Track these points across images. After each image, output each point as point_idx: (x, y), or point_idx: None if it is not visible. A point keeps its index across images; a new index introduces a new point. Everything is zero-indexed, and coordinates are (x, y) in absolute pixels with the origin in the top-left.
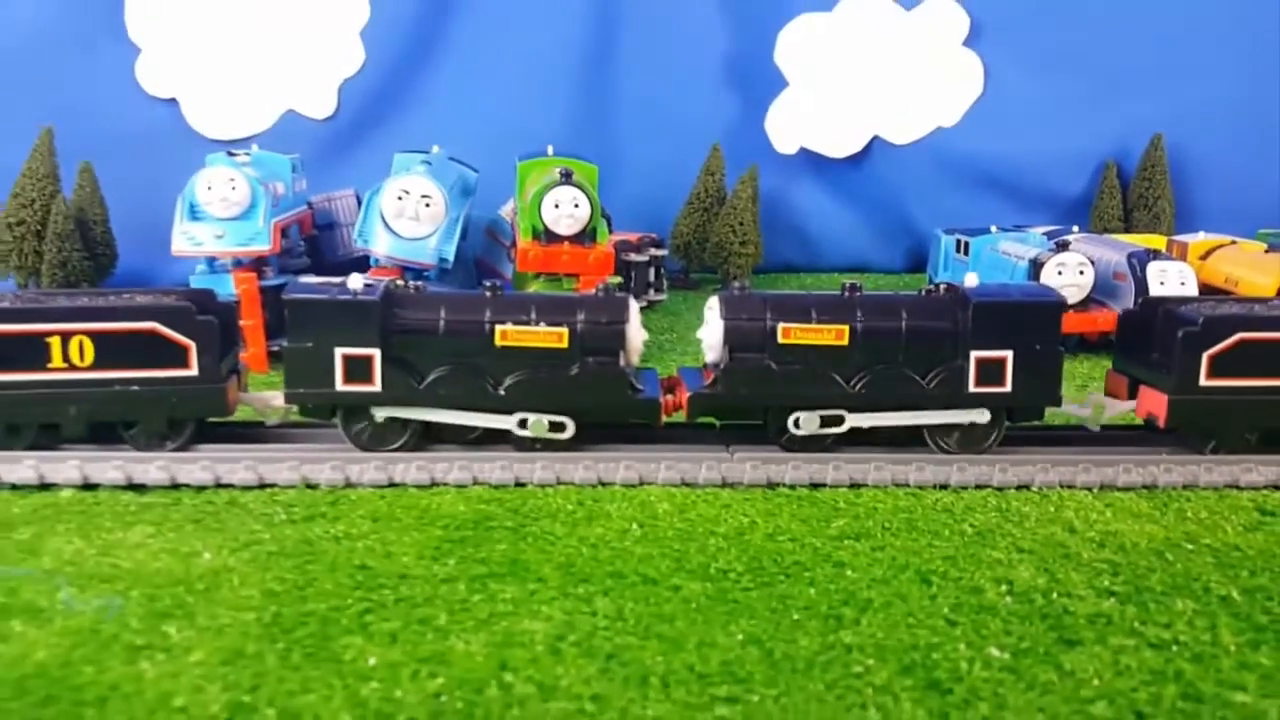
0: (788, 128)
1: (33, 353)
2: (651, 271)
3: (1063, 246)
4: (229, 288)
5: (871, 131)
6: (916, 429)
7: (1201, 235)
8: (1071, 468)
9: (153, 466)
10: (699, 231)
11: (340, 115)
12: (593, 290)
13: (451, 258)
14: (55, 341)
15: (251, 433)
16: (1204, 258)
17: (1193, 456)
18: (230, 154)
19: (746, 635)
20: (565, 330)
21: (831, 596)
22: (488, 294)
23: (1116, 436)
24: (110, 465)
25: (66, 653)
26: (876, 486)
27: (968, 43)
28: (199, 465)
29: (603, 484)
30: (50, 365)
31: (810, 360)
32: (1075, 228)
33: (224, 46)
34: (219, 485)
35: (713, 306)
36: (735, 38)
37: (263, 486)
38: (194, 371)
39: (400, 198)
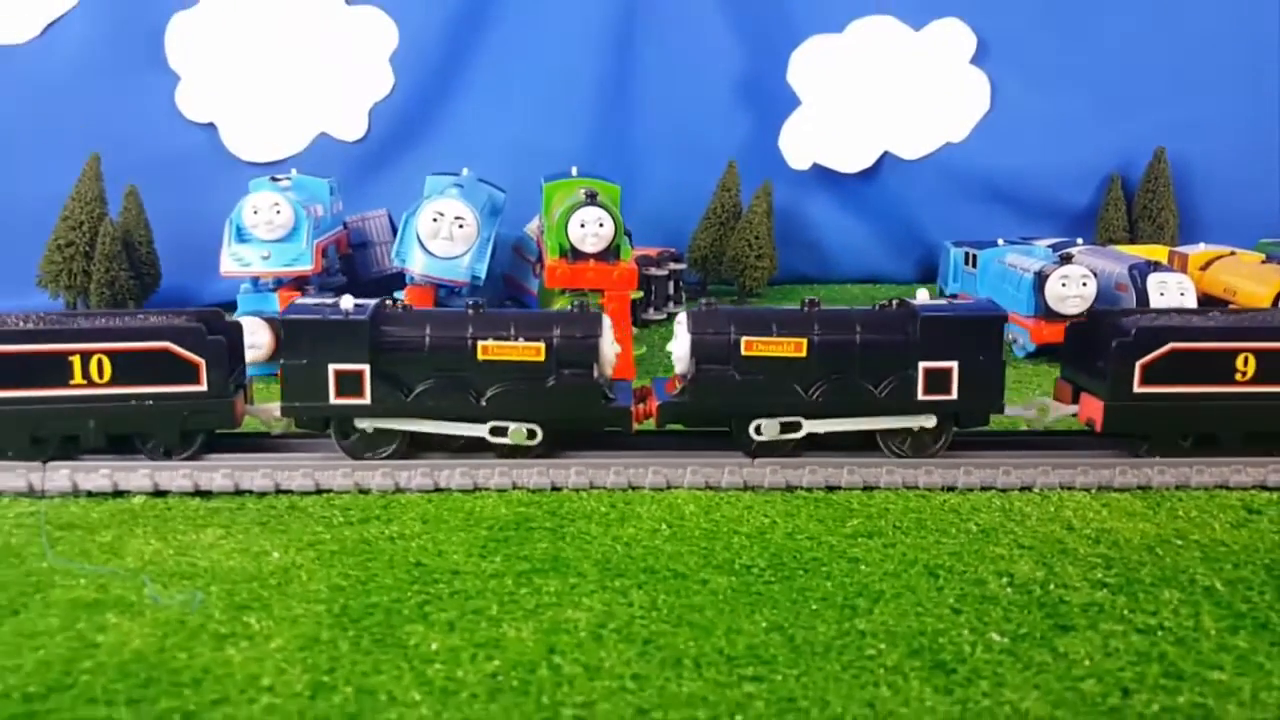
0: (800, 144)
1: (55, 370)
2: (670, 285)
3: (1066, 259)
4: (274, 305)
5: (882, 147)
6: (871, 434)
7: (1202, 246)
8: (1071, 470)
9: (218, 474)
10: (716, 245)
11: (370, 137)
12: (568, 307)
13: (484, 275)
14: (76, 360)
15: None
16: (1204, 268)
17: (1184, 459)
18: (274, 179)
19: (769, 623)
20: (542, 344)
21: (847, 589)
22: (470, 312)
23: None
24: (179, 474)
25: (160, 641)
26: (888, 489)
27: (975, 61)
28: (260, 473)
29: (633, 488)
30: (71, 382)
31: (771, 371)
32: (1079, 240)
33: (259, 73)
34: (279, 491)
35: (681, 322)
36: (749, 59)
37: (319, 492)
38: (204, 387)
39: (435, 219)
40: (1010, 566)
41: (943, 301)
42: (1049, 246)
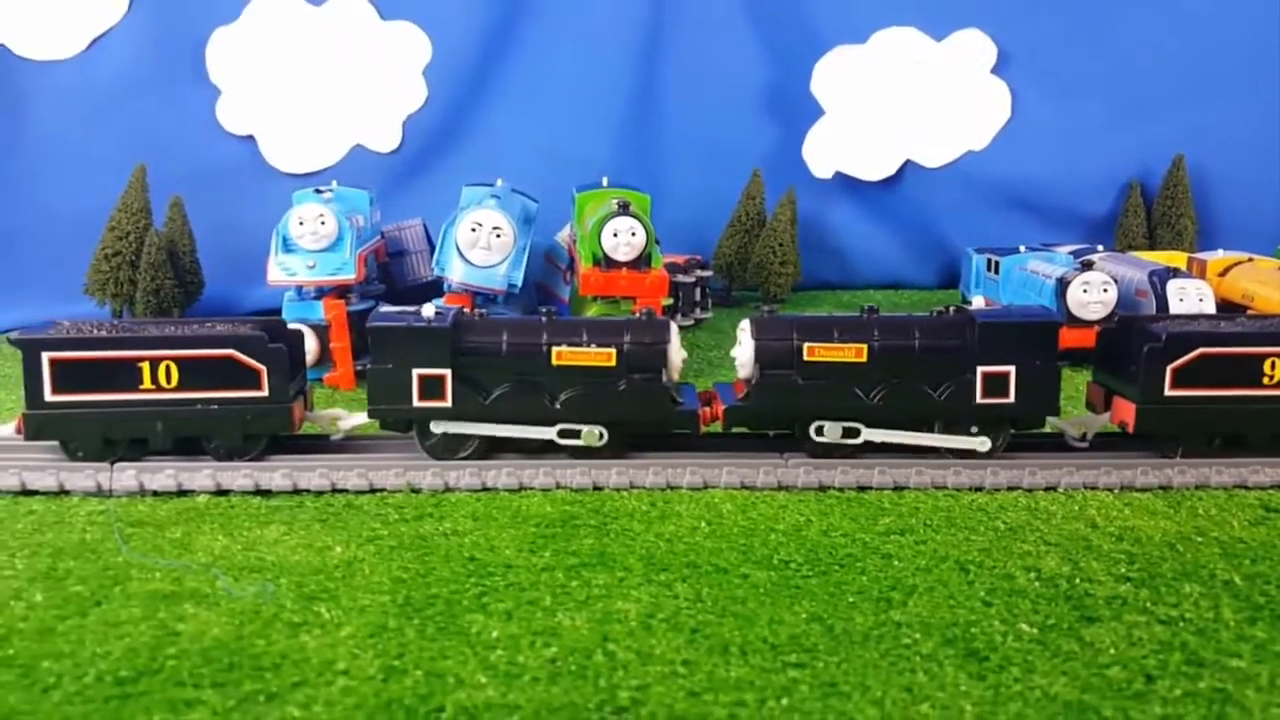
0: (824, 153)
1: (126, 375)
2: (697, 291)
3: (1087, 266)
4: (318, 313)
5: (904, 156)
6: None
7: (1220, 253)
8: (1094, 470)
9: (277, 474)
10: (740, 252)
11: (404, 148)
12: (637, 314)
13: (520, 284)
14: (145, 366)
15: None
16: (1222, 274)
17: (1204, 460)
18: (317, 190)
19: (809, 614)
20: (614, 350)
21: (881, 583)
22: (544, 319)
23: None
24: (240, 474)
25: (238, 629)
26: (918, 489)
27: (995, 70)
28: (317, 473)
29: (671, 487)
30: (141, 387)
31: (833, 376)
32: (1100, 247)
33: (297, 87)
34: (335, 490)
35: (744, 328)
36: (773, 70)
37: (373, 491)
38: (265, 393)
39: (474, 229)
40: (1037, 562)
41: (999, 307)
42: (1070, 253)
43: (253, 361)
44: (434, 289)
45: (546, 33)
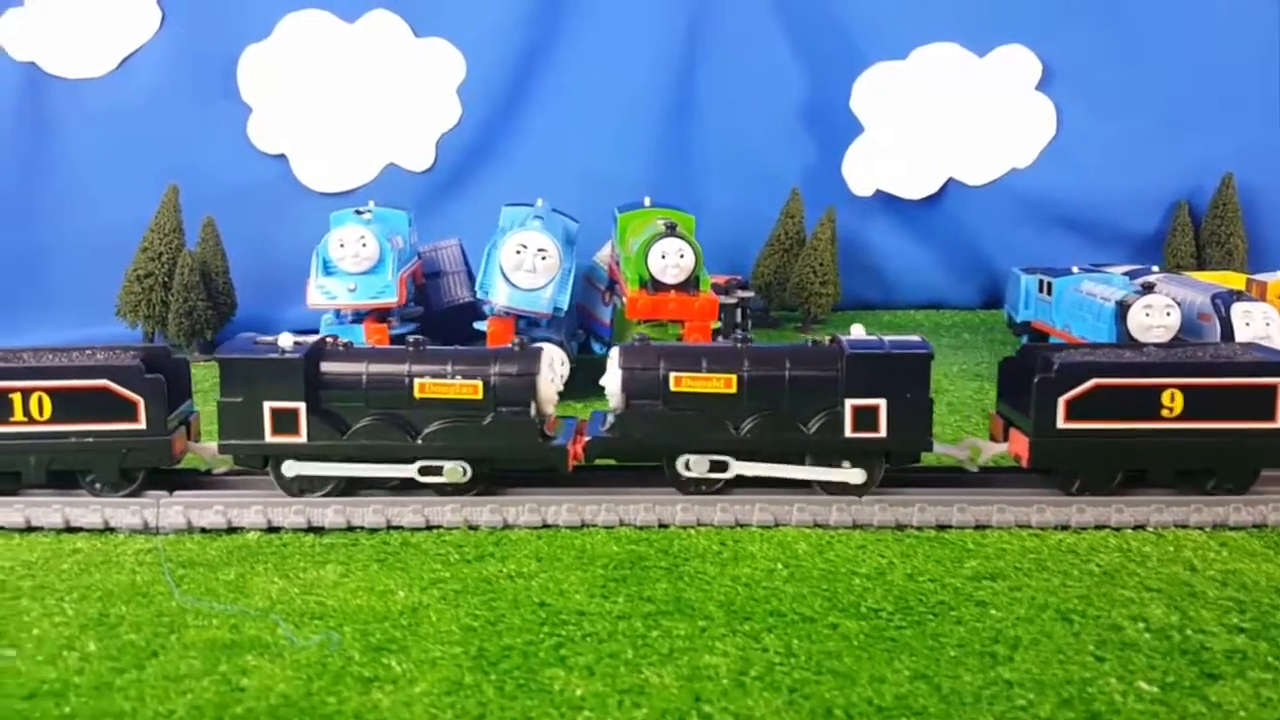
0: (864, 171)
1: None
2: (739, 312)
3: (1149, 288)
4: (359, 336)
5: (946, 174)
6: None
7: (1279, 274)
8: (1185, 508)
9: (330, 511)
10: (779, 272)
11: (438, 167)
12: (508, 344)
13: (565, 307)
14: (17, 397)
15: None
16: None
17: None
18: (357, 211)
19: (912, 671)
20: (480, 382)
21: (981, 635)
22: (409, 348)
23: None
24: (292, 510)
25: (305, 684)
26: (1000, 528)
27: (1040, 87)
28: (371, 509)
29: (740, 525)
30: (12, 418)
31: (701, 407)
32: (1155, 268)
33: (329, 105)
34: (390, 527)
35: (613, 357)
36: (812, 86)
37: (430, 528)
38: (143, 425)
39: (518, 251)
40: (1142, 610)
41: (873, 338)
42: (1124, 274)
43: (128, 392)
44: (471, 311)
45: (582, 50)
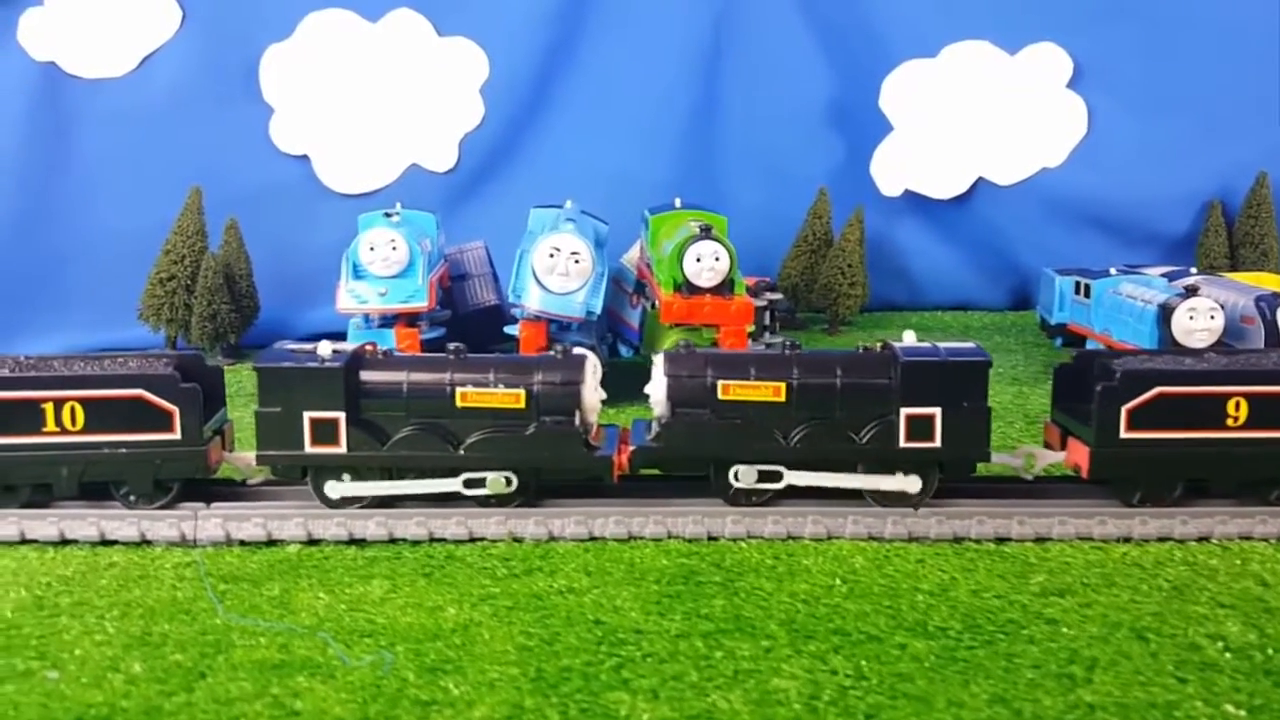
0: (892, 171)
1: (28, 417)
2: (767, 315)
3: (1192, 291)
4: (388, 341)
5: (976, 173)
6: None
7: None
8: (1250, 520)
9: (371, 523)
10: (807, 273)
11: (461, 168)
12: (550, 352)
13: (599, 310)
14: (49, 407)
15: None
16: None
17: None
18: (386, 214)
19: (990, 695)
20: (523, 391)
21: (1056, 655)
22: (450, 356)
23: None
24: (333, 522)
25: (362, 708)
26: (1062, 540)
27: (1071, 85)
28: (414, 521)
29: (792, 538)
30: (44, 429)
31: (749, 415)
32: (1193, 269)
33: (351, 105)
34: (433, 540)
35: (658, 364)
36: (840, 85)
37: (473, 540)
38: (177, 435)
39: (552, 255)
40: (1219, 628)
41: (927, 345)
42: (1162, 275)
43: (163, 402)
44: (497, 314)
45: (606, 49)
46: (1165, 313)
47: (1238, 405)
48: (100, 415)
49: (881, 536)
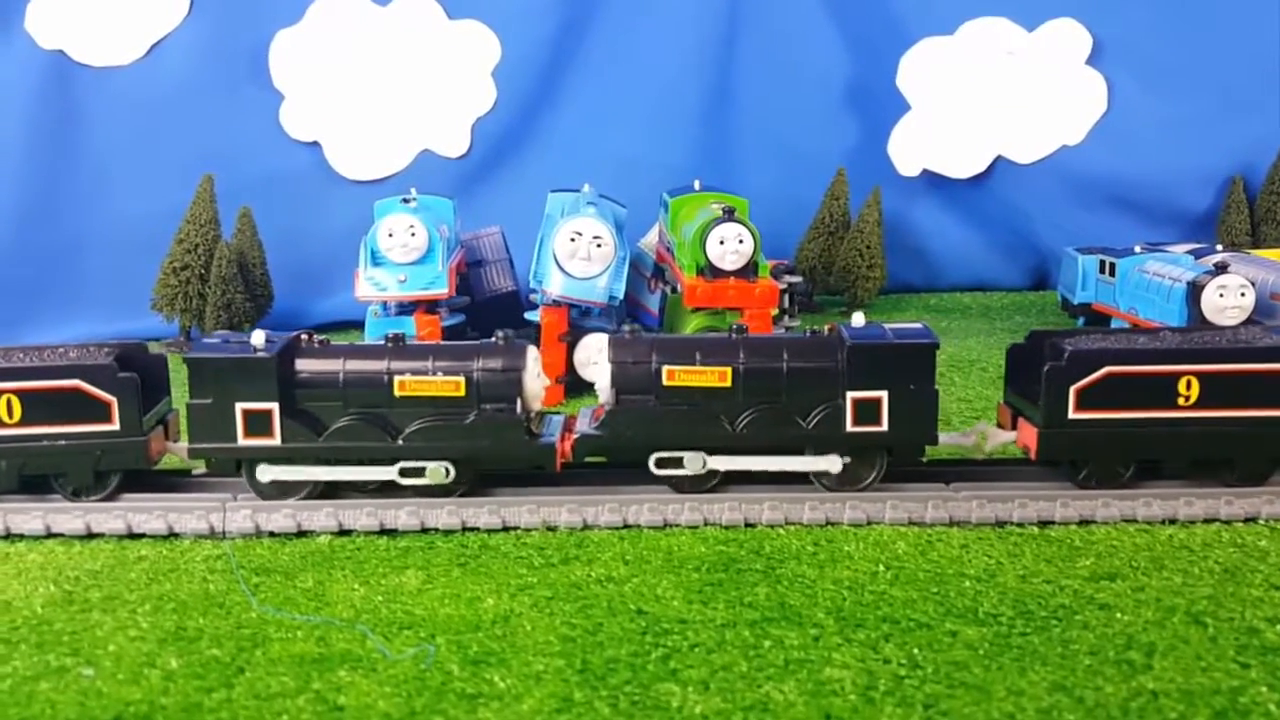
0: (910, 150)
1: None
2: (786, 298)
3: (1222, 268)
4: (408, 328)
5: (995, 152)
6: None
7: None
8: None
9: (403, 512)
10: (824, 255)
11: (473, 153)
12: (493, 339)
13: (621, 295)
14: None
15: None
16: None
17: None
18: (404, 200)
19: (1050, 682)
20: (462, 379)
21: (1113, 641)
22: (387, 344)
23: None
24: (363, 512)
25: (407, 702)
26: (1106, 523)
27: (1090, 61)
28: (445, 510)
29: (830, 523)
30: None
31: (695, 401)
32: (1219, 246)
33: (362, 90)
34: (466, 529)
35: (602, 350)
36: (856, 64)
37: (507, 529)
38: (116, 426)
39: (573, 239)
40: (1277, 612)
41: (874, 327)
42: (1187, 253)
43: (101, 393)
44: (513, 300)
45: (619, 31)
46: (1195, 290)
47: (1189, 384)
48: (38, 407)
49: (922, 521)
